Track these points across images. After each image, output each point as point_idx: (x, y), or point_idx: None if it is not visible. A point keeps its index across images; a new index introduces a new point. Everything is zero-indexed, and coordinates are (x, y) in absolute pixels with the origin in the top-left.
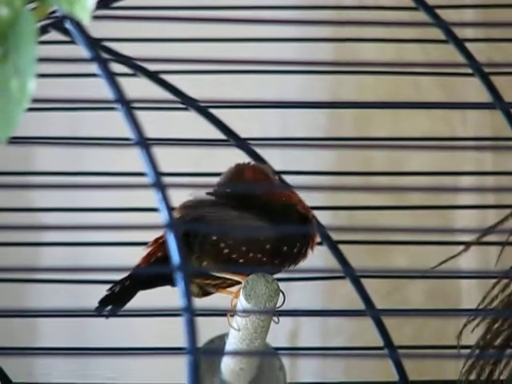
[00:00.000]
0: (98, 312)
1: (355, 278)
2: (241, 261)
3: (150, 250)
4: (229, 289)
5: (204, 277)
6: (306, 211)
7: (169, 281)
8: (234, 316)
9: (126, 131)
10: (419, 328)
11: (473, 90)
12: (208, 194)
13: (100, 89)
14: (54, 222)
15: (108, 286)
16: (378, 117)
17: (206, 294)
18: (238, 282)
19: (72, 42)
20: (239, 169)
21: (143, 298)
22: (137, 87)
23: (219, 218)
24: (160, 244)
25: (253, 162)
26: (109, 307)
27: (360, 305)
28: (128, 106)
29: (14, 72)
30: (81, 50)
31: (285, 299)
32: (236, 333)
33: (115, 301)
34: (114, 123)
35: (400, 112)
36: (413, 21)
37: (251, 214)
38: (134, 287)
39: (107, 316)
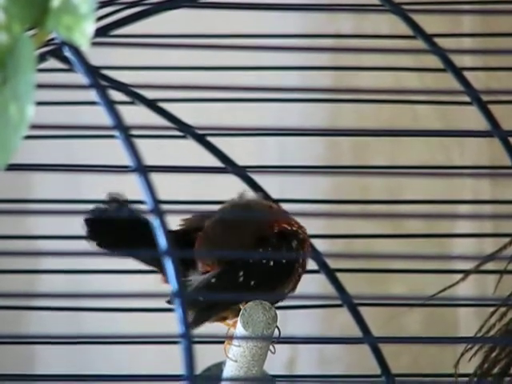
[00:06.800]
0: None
1: (352, 305)
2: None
3: None
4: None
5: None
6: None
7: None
8: (231, 345)
9: (125, 158)
10: (417, 356)
11: (470, 118)
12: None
13: (98, 116)
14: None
15: (106, 314)
16: (376, 144)
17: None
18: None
19: (70, 70)
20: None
21: (141, 325)
22: (134, 115)
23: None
24: None
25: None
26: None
27: (357, 332)
28: (126, 133)
29: (12, 97)
30: (79, 78)
31: (280, 332)
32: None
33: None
34: (113, 150)
35: (398, 140)
36: (411, 48)
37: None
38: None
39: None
